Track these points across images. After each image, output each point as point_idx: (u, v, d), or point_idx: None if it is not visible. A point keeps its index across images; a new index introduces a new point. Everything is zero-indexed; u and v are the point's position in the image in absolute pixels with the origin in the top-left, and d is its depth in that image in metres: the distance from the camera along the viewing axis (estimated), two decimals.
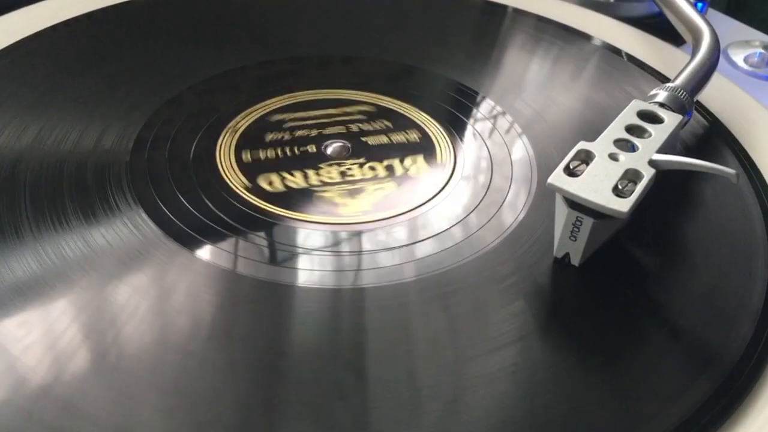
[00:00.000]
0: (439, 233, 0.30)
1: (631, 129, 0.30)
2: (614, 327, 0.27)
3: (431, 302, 0.27)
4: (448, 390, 0.24)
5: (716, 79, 0.39)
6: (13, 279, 0.26)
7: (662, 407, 0.24)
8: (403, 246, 0.29)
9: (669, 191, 0.32)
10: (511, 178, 0.33)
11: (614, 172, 0.27)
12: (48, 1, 0.42)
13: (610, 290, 0.28)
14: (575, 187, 0.27)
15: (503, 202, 0.32)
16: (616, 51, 0.43)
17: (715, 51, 0.36)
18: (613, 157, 0.28)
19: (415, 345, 0.25)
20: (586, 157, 0.28)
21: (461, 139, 0.35)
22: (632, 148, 0.29)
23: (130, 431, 0.22)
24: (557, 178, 0.27)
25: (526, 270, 0.28)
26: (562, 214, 0.27)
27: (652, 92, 0.33)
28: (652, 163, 0.28)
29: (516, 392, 0.24)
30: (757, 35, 0.49)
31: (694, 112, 0.37)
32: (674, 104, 0.32)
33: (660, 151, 0.29)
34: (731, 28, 0.50)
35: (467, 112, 0.37)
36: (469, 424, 0.23)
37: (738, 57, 0.47)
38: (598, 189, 0.26)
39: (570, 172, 0.27)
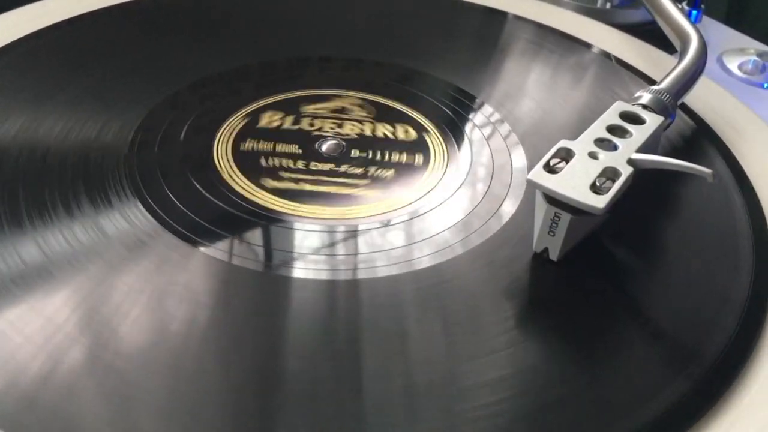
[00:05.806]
0: (432, 234, 0.30)
1: (612, 129, 0.30)
2: (593, 322, 0.27)
3: (423, 299, 0.28)
4: (441, 383, 0.24)
5: (707, 84, 0.40)
6: (14, 268, 0.27)
7: (641, 403, 0.24)
8: (399, 249, 0.30)
9: (656, 190, 0.32)
10: (511, 182, 0.34)
11: (593, 170, 0.28)
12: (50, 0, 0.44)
13: (590, 285, 0.29)
14: (553, 183, 0.27)
15: (480, 198, 0.32)
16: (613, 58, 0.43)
17: (702, 56, 0.36)
18: (593, 155, 0.29)
19: (408, 337, 0.26)
20: (566, 155, 0.29)
21: (458, 143, 0.36)
22: (613, 148, 0.29)
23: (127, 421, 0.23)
24: (537, 174, 0.28)
25: (507, 267, 0.29)
26: (541, 209, 0.28)
27: (636, 94, 0.33)
28: (630, 161, 0.29)
29: (497, 386, 0.25)
30: (751, 43, 0.50)
31: (684, 115, 0.38)
32: (657, 106, 0.32)
33: (640, 151, 0.29)
34: (726, 36, 0.51)
35: (464, 116, 0.38)
36: (462, 412, 0.24)
37: (732, 64, 0.48)
38: (576, 185, 0.27)
39: (550, 168, 0.28)
